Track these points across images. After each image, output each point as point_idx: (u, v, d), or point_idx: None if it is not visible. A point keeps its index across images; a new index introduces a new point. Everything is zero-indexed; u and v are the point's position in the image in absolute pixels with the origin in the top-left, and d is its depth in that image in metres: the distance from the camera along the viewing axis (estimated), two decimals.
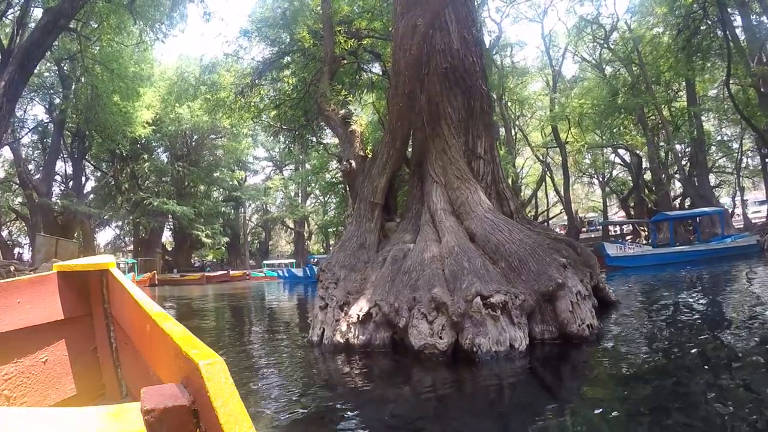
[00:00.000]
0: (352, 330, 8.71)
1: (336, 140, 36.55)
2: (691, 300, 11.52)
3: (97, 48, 30.74)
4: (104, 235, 63.03)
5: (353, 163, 12.25)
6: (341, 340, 8.61)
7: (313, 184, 56.09)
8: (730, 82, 29.52)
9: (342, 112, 13.48)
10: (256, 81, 20.29)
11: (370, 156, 12.65)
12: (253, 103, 22.38)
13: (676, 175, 39.30)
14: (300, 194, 63.55)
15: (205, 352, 1.46)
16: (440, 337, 7.63)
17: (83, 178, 47.26)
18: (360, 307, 8.86)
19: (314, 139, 30.97)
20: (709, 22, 30.04)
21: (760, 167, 39.53)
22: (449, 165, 11.96)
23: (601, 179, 52.19)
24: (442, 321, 7.85)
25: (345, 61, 18.08)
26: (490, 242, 9.74)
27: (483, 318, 7.46)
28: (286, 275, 39.29)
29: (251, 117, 22.94)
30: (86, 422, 1.46)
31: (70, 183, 45.20)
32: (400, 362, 7.77)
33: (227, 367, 1.38)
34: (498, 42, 37.96)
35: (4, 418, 1.45)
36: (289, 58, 20.76)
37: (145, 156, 46.12)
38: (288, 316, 15.58)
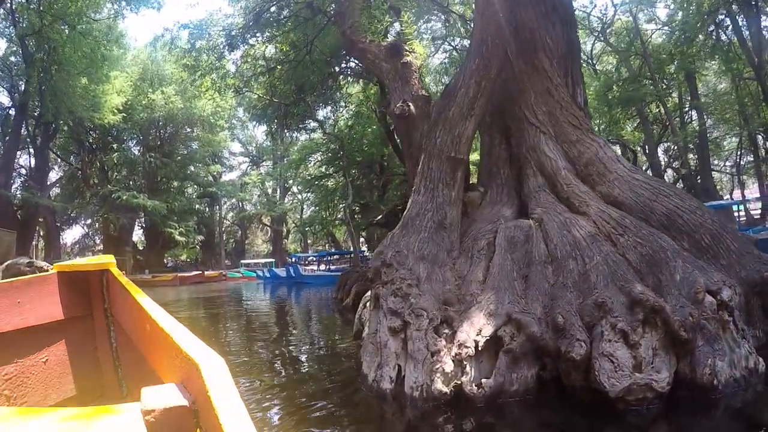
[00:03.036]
0: (468, 369, 4.81)
1: (336, 116, 32.43)
2: None
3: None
4: (72, 233, 56.70)
5: (411, 106, 7.66)
6: (445, 389, 4.70)
7: (290, 181, 51.34)
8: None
9: (387, 41, 8.90)
10: (250, 34, 15.42)
11: (434, 97, 8.14)
12: (240, 69, 17.66)
13: (681, 170, 35.95)
14: (278, 191, 58.36)
15: (205, 351, 1.41)
16: (655, 369, 4.44)
17: (48, 170, 41.01)
18: (477, 328, 4.96)
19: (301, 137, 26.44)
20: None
21: (750, 165, 36.87)
22: (559, 110, 7.71)
23: None
24: (653, 341, 4.58)
25: None
26: (655, 212, 6.20)
27: (716, 328, 4.64)
28: (268, 275, 34.32)
29: (238, 84, 18.07)
30: (86, 422, 1.41)
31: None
32: (578, 425, 4.41)
33: (228, 368, 1.29)
34: None
35: (4, 418, 1.41)
36: (287, 12, 15.91)
37: (115, 146, 40.26)
38: (296, 331, 11.20)
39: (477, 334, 4.80)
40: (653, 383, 4.28)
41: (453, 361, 4.74)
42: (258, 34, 16.46)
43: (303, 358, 7.78)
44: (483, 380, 4.66)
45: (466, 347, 4.70)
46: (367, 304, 8.24)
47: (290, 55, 16.50)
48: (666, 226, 5.96)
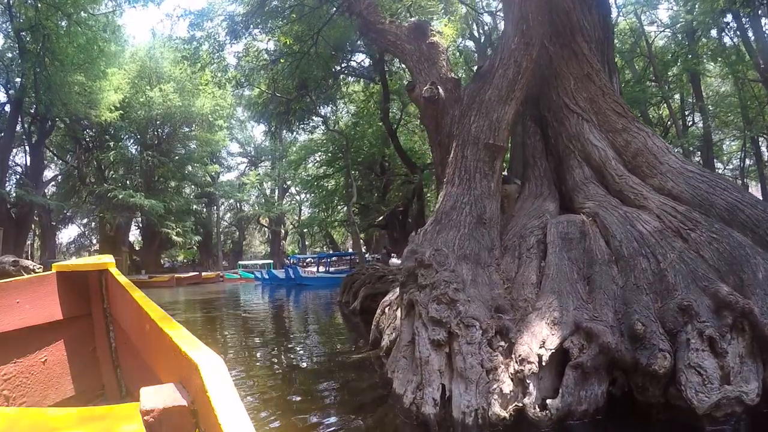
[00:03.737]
0: (530, 388, 3.97)
1: (336, 116, 31.55)
2: None
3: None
4: (68, 233, 55.49)
5: (440, 90, 6.84)
6: (503, 413, 3.90)
7: (289, 181, 50.46)
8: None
9: (410, 21, 8.09)
10: (252, 24, 14.57)
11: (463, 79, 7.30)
12: (241, 63, 16.82)
13: None
14: (277, 191, 57.28)
15: (204, 351, 1.37)
16: (743, 380, 3.81)
17: (43, 168, 39.67)
18: (540, 339, 4.22)
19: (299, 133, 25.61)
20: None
21: (753, 168, 36.56)
22: (601, 97, 6.93)
23: None
24: (740, 348, 3.95)
25: None
26: (715, 207, 5.51)
27: None
28: (266, 277, 33.20)
29: (239, 77, 17.18)
30: (85, 422, 1.41)
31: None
32: None
33: (227, 367, 1.27)
34: (491, 35, 33.11)
35: (4, 418, 1.41)
36: (292, 1, 15.08)
37: (111, 144, 39.14)
38: (302, 338, 10.04)
39: (540, 347, 4.01)
40: (743, 395, 3.67)
41: (512, 379, 3.95)
42: (261, 26, 15.64)
43: (314, 370, 6.79)
44: (548, 401, 3.88)
45: (529, 363, 3.91)
46: (386, 309, 7.38)
47: (294, 47, 15.65)
48: (727, 222, 5.25)
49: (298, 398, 5.15)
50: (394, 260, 18.45)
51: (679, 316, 4.02)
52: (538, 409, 3.83)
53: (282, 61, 16.88)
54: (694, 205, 5.54)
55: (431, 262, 4.63)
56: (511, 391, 3.89)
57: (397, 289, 7.73)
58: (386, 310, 7.26)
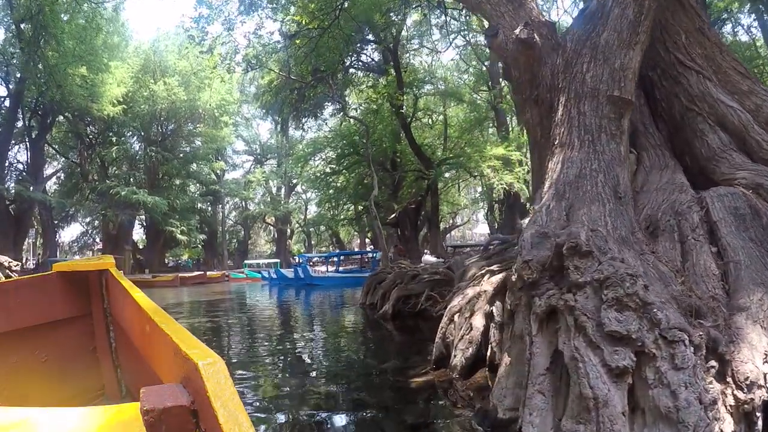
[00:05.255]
0: (759, 424, 2.64)
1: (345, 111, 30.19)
2: None
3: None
4: (71, 231, 54.21)
5: (536, 36, 5.55)
6: None
7: (295, 180, 49.12)
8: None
9: None
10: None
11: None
12: (252, 44, 15.54)
13: None
14: (283, 190, 55.97)
15: (204, 352, 1.36)
16: None
17: (43, 164, 38.24)
18: (763, 351, 2.82)
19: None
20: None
21: None
22: (719, 54, 5.61)
23: None
24: None
25: None
26: None
27: None
28: (274, 277, 31.73)
29: (250, 59, 15.87)
30: (85, 422, 1.37)
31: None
32: None
33: (227, 367, 1.23)
34: None
35: (3, 418, 1.37)
36: None
37: (114, 140, 37.83)
38: (335, 353, 7.89)
39: (764, 362, 2.74)
40: None
41: (731, 413, 2.66)
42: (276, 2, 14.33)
43: (356, 395, 5.02)
44: None
45: (759, 387, 2.63)
46: (455, 317, 5.95)
47: (311, 26, 14.26)
48: None
49: None
50: (428, 257, 17.24)
51: None
52: None
53: (297, 42, 15.58)
54: None
55: (591, 248, 3.26)
56: None
57: (468, 290, 6.33)
58: (455, 317, 5.85)
